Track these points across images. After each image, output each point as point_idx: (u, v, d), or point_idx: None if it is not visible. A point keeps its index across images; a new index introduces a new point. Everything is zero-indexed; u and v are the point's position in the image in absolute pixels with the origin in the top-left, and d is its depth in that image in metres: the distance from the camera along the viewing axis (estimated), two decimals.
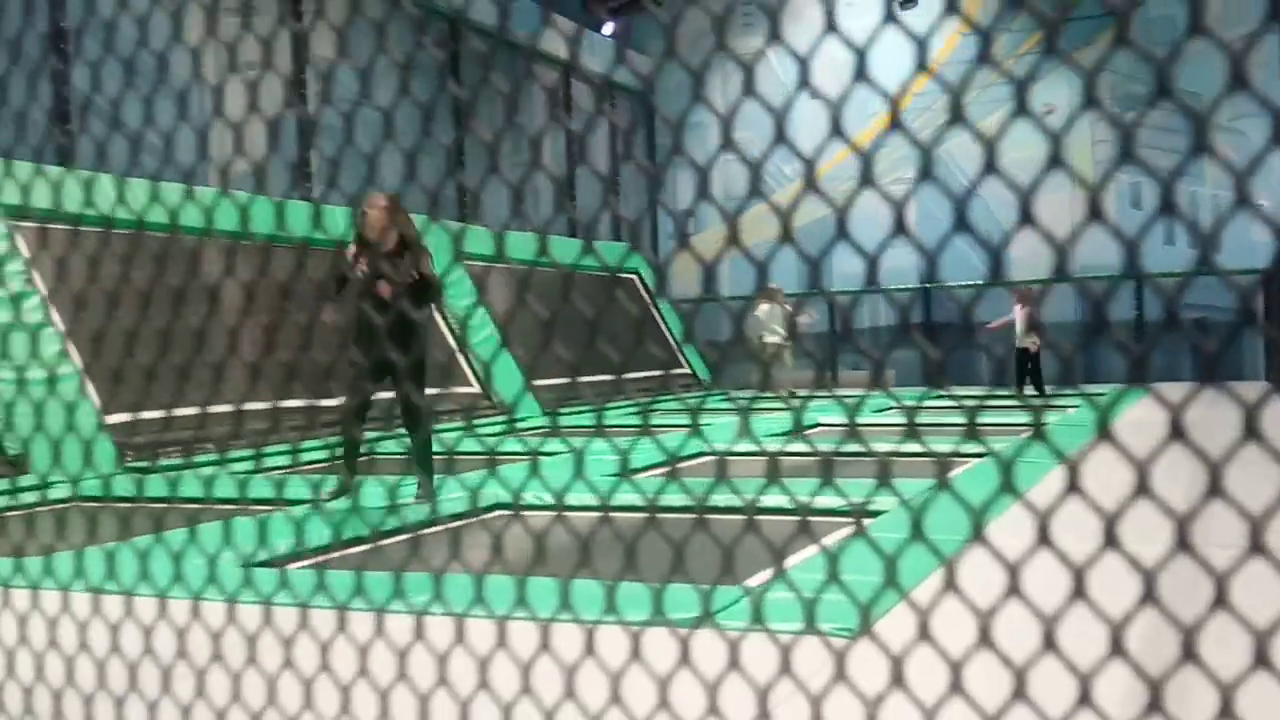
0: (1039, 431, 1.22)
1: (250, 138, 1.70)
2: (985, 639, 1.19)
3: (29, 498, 5.89)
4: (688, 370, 16.61)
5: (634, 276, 16.66)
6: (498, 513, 5.61)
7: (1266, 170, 1.26)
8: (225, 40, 1.70)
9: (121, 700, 2.01)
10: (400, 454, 8.26)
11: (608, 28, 18.31)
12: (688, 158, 1.40)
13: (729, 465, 1.49)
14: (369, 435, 6.24)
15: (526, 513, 5.56)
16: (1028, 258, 13.53)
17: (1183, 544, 1.07)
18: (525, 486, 1.78)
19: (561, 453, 7.86)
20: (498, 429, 10.21)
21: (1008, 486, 1.21)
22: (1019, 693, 1.18)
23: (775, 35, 1.27)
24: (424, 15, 12.83)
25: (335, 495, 5.57)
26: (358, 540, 4.65)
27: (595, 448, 1.71)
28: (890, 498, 5.42)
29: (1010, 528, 1.48)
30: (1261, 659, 1.07)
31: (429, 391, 7.99)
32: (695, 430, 1.62)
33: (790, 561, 3.71)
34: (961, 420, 1.34)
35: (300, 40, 11.00)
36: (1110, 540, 1.12)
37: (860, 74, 1.23)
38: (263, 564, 4.07)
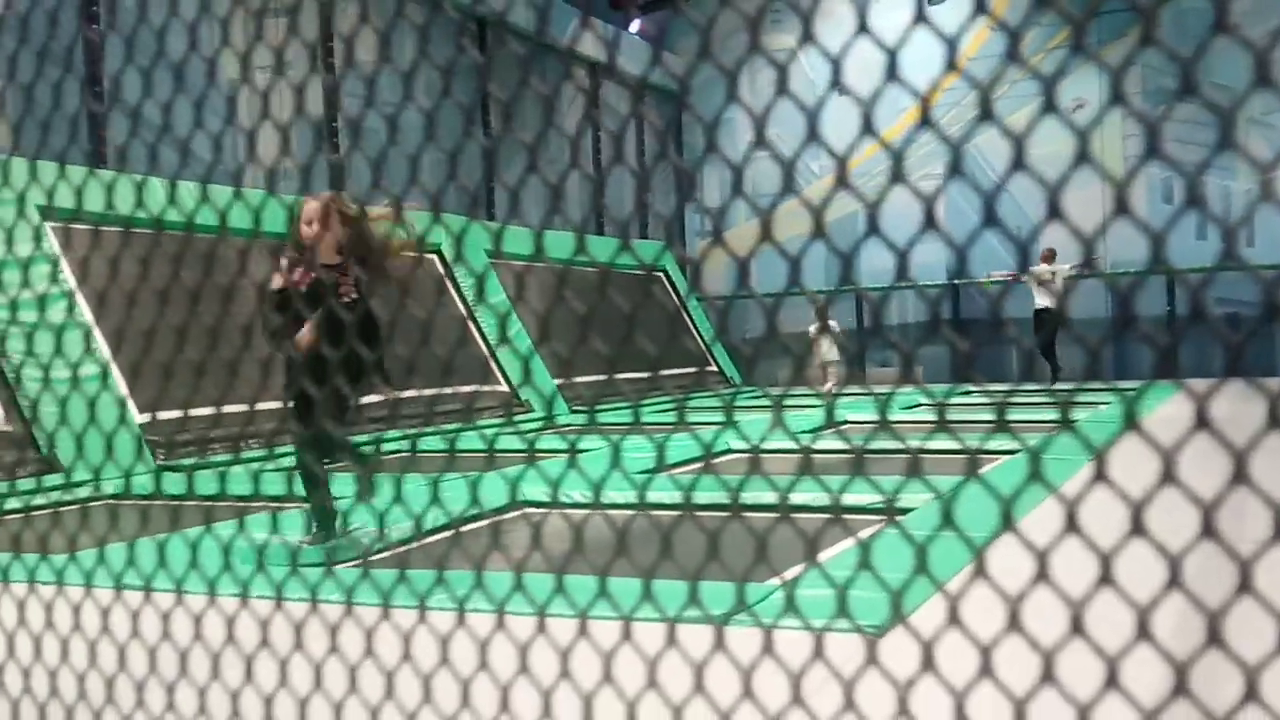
0: (1066, 419, 1.24)
1: (294, 140, 1.75)
2: (1014, 623, 1.22)
3: (76, 494, 5.98)
4: (717, 369, 16.63)
5: (662, 275, 16.69)
6: (530, 510, 5.66)
7: None
8: (271, 44, 1.75)
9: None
10: (437, 451, 8.34)
11: (634, 25, 18.34)
12: (721, 155, 1.43)
13: (761, 462, 1.52)
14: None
15: (560, 510, 5.58)
16: (1057, 249, 13.49)
17: (1208, 530, 1.09)
18: (561, 483, 1.82)
19: (594, 450, 7.92)
20: (532, 427, 10.28)
21: (1037, 476, 1.24)
22: (1047, 675, 1.20)
23: (808, 35, 1.30)
24: (462, 18, 12.90)
25: (317, 540, 4.73)
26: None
27: (628, 444, 1.75)
28: (920, 495, 5.42)
29: (1042, 521, 1.51)
30: None
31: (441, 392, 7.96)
32: (727, 426, 1.65)
33: (823, 556, 3.74)
34: (990, 417, 1.36)
35: (327, 45, 11.11)
36: (1137, 527, 1.14)
37: (891, 72, 1.26)
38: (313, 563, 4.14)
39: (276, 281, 4.72)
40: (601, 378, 11.75)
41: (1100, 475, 1.20)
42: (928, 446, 1.44)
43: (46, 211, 7.95)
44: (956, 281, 15.45)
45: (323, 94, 11.37)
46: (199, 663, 2.17)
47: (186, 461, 7.69)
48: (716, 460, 7.44)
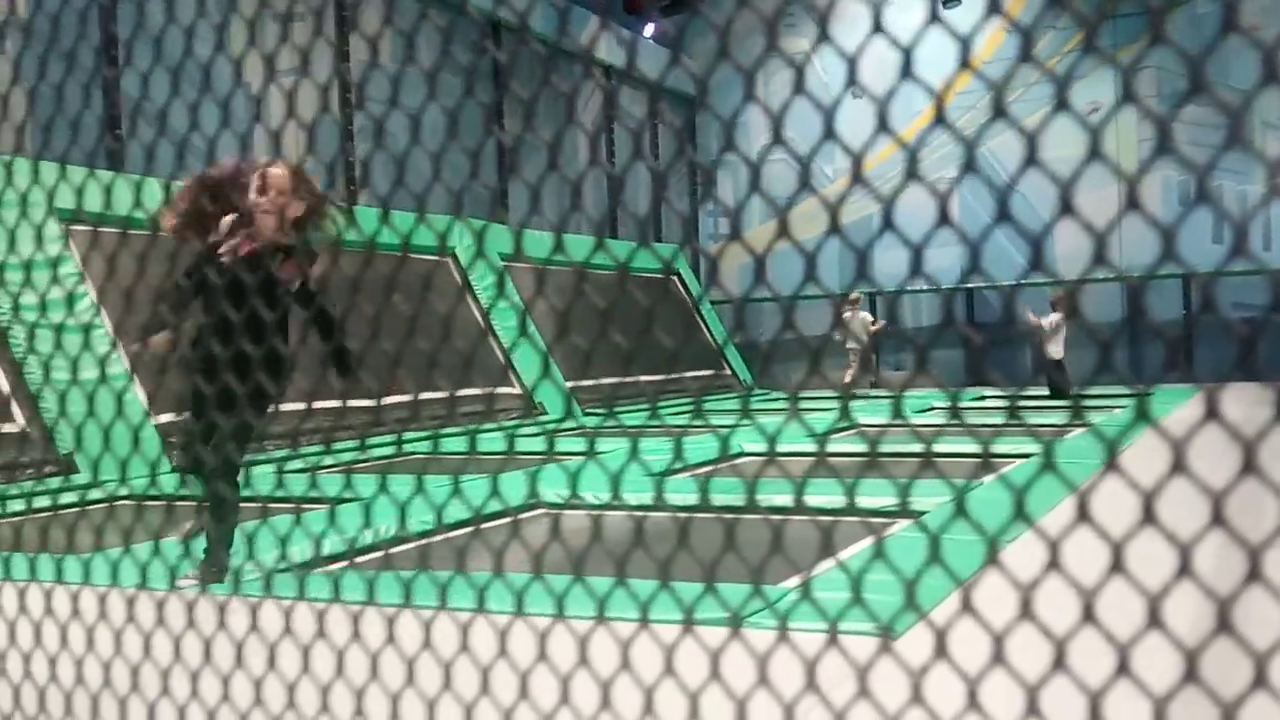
0: (1078, 414, 1.26)
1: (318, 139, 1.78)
2: (1027, 612, 1.24)
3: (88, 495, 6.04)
4: (729, 372, 16.63)
5: (675, 277, 16.72)
6: (544, 511, 5.69)
7: None
8: (298, 46, 1.79)
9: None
10: (455, 453, 8.37)
11: (649, 29, 18.33)
12: (740, 153, 1.46)
13: (774, 465, 1.54)
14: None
15: (573, 511, 5.60)
16: (1071, 254, 13.46)
17: (1218, 519, 1.11)
18: (577, 485, 1.85)
19: (608, 452, 7.94)
20: (544, 430, 10.31)
21: (1050, 469, 1.26)
22: (1058, 663, 1.22)
23: (824, 36, 1.33)
24: (485, 23, 12.94)
25: (208, 576, 3.88)
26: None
27: (642, 447, 1.77)
28: (933, 498, 5.41)
29: (1059, 521, 1.52)
30: None
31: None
32: (740, 429, 1.67)
33: (840, 556, 3.73)
34: (1002, 422, 1.38)
35: (343, 44, 11.18)
36: (1148, 517, 1.16)
37: (906, 73, 1.28)
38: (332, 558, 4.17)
39: (214, 239, 3.88)
40: (614, 380, 11.77)
41: (1112, 467, 1.22)
42: (943, 450, 1.46)
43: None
44: (969, 286, 15.43)
45: (318, 97, 11.44)
46: (223, 654, 2.20)
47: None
48: (731, 463, 7.46)
